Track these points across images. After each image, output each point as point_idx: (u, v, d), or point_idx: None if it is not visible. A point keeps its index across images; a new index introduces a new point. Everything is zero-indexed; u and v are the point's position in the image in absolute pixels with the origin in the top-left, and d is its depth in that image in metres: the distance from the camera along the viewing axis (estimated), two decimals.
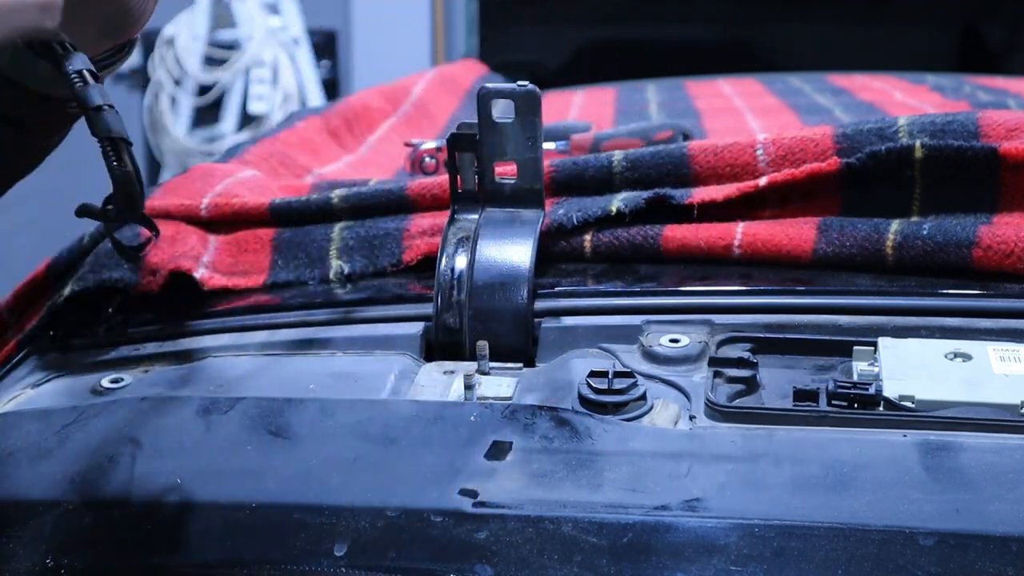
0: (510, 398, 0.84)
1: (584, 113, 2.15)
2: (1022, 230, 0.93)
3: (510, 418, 0.76)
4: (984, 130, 0.99)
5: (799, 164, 1.01)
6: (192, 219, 1.09)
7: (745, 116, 1.94)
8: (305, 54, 4.29)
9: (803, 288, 0.95)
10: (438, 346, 0.93)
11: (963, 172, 0.97)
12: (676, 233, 1.00)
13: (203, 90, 4.18)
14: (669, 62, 3.61)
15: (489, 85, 0.96)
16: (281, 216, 1.09)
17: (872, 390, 0.77)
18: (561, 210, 1.02)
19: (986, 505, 0.66)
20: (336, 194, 1.08)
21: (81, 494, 0.73)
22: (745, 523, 0.66)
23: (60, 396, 0.91)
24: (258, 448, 0.76)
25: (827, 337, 0.88)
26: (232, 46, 4.17)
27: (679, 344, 0.88)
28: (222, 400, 0.81)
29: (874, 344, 0.84)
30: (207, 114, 4.21)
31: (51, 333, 1.02)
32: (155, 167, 4.28)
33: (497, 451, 0.73)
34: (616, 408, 0.78)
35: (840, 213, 1.00)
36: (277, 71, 4.15)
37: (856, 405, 0.77)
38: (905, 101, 2.03)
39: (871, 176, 0.98)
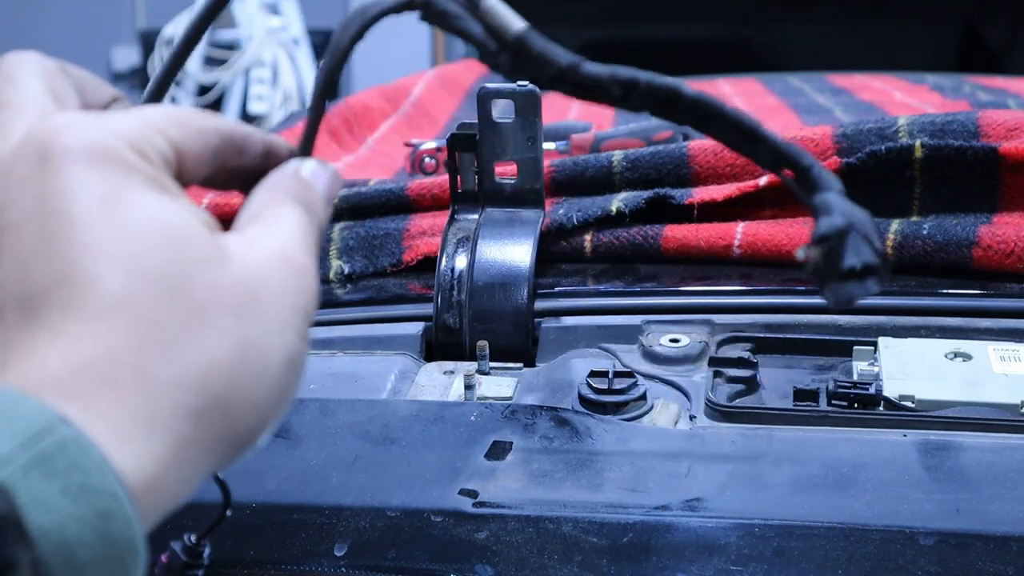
0: (510, 398, 0.84)
1: (584, 113, 2.15)
2: (1022, 230, 0.92)
3: (510, 418, 0.76)
4: (984, 130, 0.99)
5: None
6: None
7: None
8: (305, 54, 4.29)
9: (803, 288, 0.95)
10: (438, 346, 0.93)
11: (963, 172, 0.97)
12: (676, 233, 1.00)
13: (203, 90, 4.17)
14: (669, 62, 3.61)
15: (489, 85, 0.96)
16: None
17: (872, 390, 0.77)
18: (561, 210, 1.02)
19: (986, 505, 0.66)
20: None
21: None
22: (745, 523, 0.66)
23: None
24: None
25: (827, 337, 0.88)
26: (232, 46, 4.17)
27: (679, 344, 0.88)
28: None
29: (874, 344, 0.84)
30: None
31: None
32: None
33: (497, 451, 0.73)
34: (616, 408, 0.78)
35: None
36: (277, 71, 4.15)
37: (856, 405, 0.77)
38: (905, 101, 2.03)
39: (871, 176, 0.98)
